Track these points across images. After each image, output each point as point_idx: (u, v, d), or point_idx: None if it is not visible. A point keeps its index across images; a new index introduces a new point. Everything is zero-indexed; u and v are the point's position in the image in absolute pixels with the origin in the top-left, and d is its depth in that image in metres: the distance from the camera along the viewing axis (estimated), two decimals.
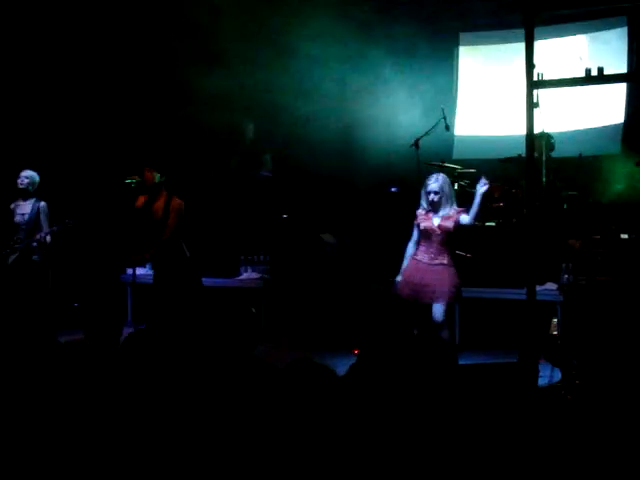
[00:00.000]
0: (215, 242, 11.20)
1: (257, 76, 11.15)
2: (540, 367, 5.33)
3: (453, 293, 7.25)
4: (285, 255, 11.02)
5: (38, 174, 8.77)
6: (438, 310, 7.16)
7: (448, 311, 7.25)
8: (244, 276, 10.37)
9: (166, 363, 3.89)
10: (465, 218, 7.19)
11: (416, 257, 7.31)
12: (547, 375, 5.66)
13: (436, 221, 7.23)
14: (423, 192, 7.30)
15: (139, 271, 8.59)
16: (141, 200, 7.82)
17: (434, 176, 7.33)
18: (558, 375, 5.82)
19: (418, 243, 7.33)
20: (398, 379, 3.54)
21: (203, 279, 9.81)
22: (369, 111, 11.22)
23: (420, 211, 7.32)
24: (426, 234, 7.27)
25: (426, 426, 3.51)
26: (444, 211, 7.23)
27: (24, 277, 8.58)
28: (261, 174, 11.14)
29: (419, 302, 7.22)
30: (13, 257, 8.59)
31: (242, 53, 10.76)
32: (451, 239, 7.32)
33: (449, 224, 7.19)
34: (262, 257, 10.55)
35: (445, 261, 7.25)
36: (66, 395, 4.12)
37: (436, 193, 7.20)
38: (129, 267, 8.27)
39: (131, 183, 7.68)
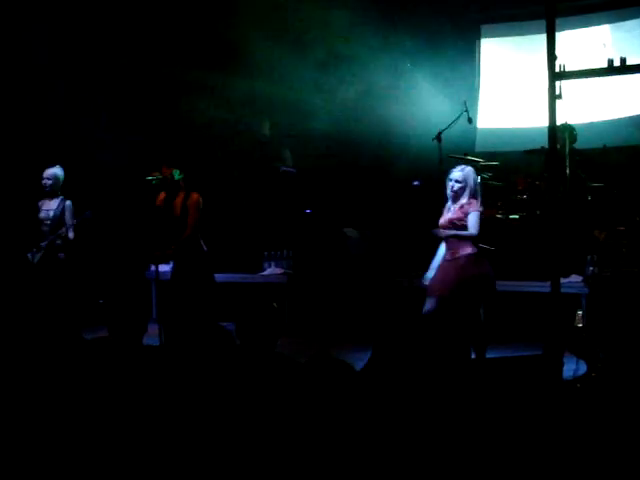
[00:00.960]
0: (238, 238, 11.23)
1: (279, 71, 11.17)
2: (565, 360, 5.30)
3: (446, 291, 7.04)
4: (308, 250, 11.03)
5: (61, 168, 8.81)
6: (428, 302, 7.00)
7: (442, 308, 7.01)
8: (267, 271, 10.39)
9: (186, 359, 3.90)
10: (471, 222, 7.00)
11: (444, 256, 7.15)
12: (572, 368, 5.63)
13: (449, 214, 7.11)
14: (447, 181, 7.15)
15: (162, 267, 8.61)
16: (161, 197, 7.85)
17: (461, 166, 7.20)
18: (583, 367, 5.78)
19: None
20: (416, 373, 3.53)
21: (227, 275, 9.86)
22: (391, 105, 11.19)
23: (446, 206, 7.18)
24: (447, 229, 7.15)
25: (446, 421, 3.50)
26: (463, 200, 7.07)
27: (49, 275, 8.63)
28: (282, 169, 11.14)
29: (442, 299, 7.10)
30: (39, 256, 8.65)
31: (265, 48, 10.79)
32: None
33: (460, 215, 7.04)
34: (285, 252, 10.56)
35: (469, 251, 7.02)
36: (91, 391, 4.14)
37: (458, 182, 7.04)
38: (152, 264, 8.29)
39: (152, 180, 7.70)
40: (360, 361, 4.09)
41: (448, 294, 6.99)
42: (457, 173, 7.06)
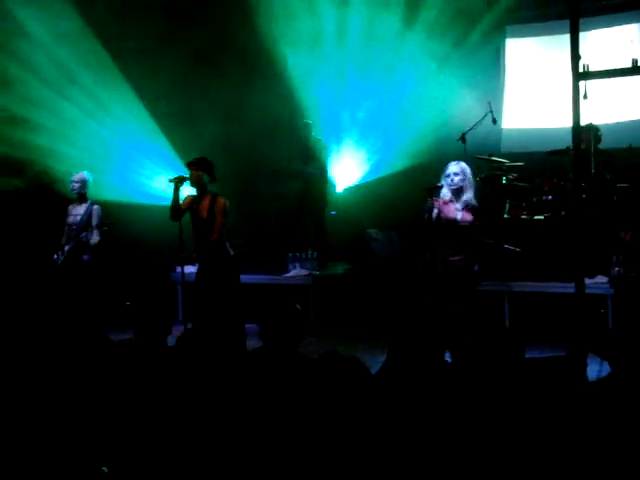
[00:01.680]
0: (263, 239, 11.26)
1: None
2: (589, 361, 5.28)
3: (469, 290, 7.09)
4: (333, 251, 11.05)
5: (88, 172, 8.91)
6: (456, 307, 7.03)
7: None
8: (292, 273, 10.41)
9: (210, 361, 3.93)
10: None
11: (437, 251, 7.11)
12: (596, 369, 5.60)
13: (459, 212, 7.10)
14: (443, 177, 7.15)
15: (188, 269, 8.66)
16: (188, 200, 7.88)
17: (454, 161, 7.22)
18: (607, 369, 5.75)
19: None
20: (433, 374, 3.54)
21: (252, 276, 9.88)
22: (416, 107, 11.20)
23: (441, 197, 7.13)
24: (447, 227, 7.08)
25: (465, 422, 3.50)
26: (467, 196, 7.08)
27: (72, 277, 8.71)
28: (308, 170, 11.16)
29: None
30: (62, 258, 8.73)
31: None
32: (474, 233, 7.15)
33: (472, 217, 7.05)
34: (310, 254, 10.57)
35: (464, 257, 7.04)
36: (117, 393, 4.18)
37: (457, 174, 7.05)
38: (179, 265, 8.32)
39: (178, 181, 7.73)
40: (381, 363, 4.10)
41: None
42: (454, 167, 7.10)
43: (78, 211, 8.81)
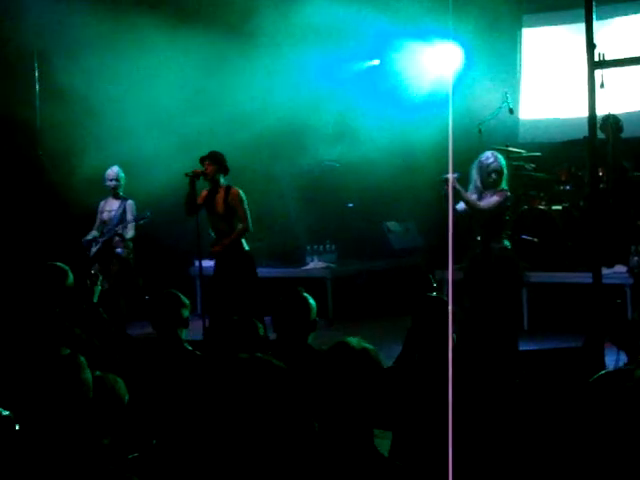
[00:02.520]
0: (281, 232, 11.27)
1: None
2: (606, 351, 5.26)
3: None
4: (351, 244, 11.05)
5: (116, 169, 8.93)
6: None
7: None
8: (310, 265, 10.42)
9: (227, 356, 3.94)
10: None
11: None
12: (613, 359, 5.59)
13: (481, 202, 6.98)
14: (480, 171, 7.01)
15: (206, 263, 8.70)
16: (203, 195, 7.91)
17: (490, 154, 7.07)
18: (624, 359, 5.72)
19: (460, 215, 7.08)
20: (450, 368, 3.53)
21: (270, 269, 9.89)
22: (430, 96, 11.16)
23: (471, 191, 7.04)
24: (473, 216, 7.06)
25: (486, 413, 3.50)
26: (492, 192, 6.96)
27: (105, 269, 8.78)
28: (326, 163, 11.17)
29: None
30: (95, 249, 8.78)
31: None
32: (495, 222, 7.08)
33: (485, 203, 6.94)
34: (328, 246, 10.58)
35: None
36: (135, 387, 4.20)
37: (497, 172, 6.95)
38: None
39: (193, 176, 7.74)
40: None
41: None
42: (494, 164, 6.95)
43: (112, 207, 8.87)
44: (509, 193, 7.09)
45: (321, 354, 2.63)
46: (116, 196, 8.88)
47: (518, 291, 7.59)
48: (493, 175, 6.99)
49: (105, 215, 8.89)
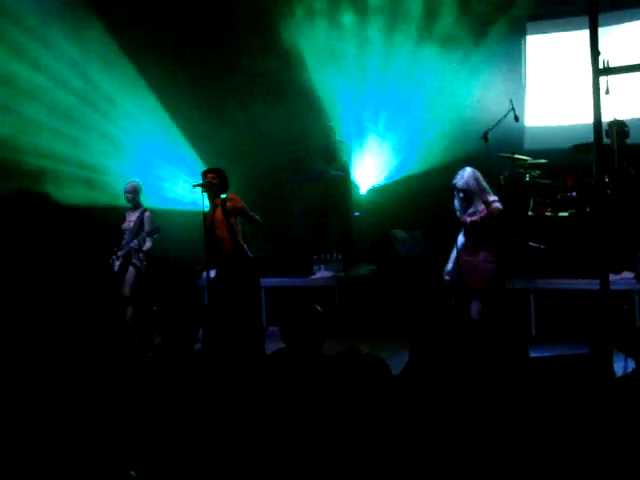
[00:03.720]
0: (288, 242, 11.28)
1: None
2: (614, 357, 5.25)
3: (484, 291, 7.14)
4: (358, 253, 11.06)
5: (138, 181, 9.16)
6: (473, 307, 7.11)
7: (486, 309, 7.12)
8: (317, 275, 10.43)
9: (229, 363, 3.96)
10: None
11: (459, 250, 7.26)
12: (621, 365, 5.58)
13: (467, 217, 7.18)
14: (454, 192, 7.25)
15: (214, 274, 8.71)
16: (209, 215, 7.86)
17: (459, 173, 7.26)
18: (632, 365, 5.72)
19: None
20: (457, 376, 3.54)
21: (277, 279, 9.90)
22: (437, 105, 11.19)
23: (456, 208, 7.28)
24: (464, 229, 7.24)
25: (493, 422, 3.50)
26: (474, 207, 7.15)
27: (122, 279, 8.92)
28: (332, 172, 11.18)
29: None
30: (118, 264, 9.00)
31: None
32: (485, 233, 7.19)
33: (475, 218, 7.11)
34: (335, 255, 10.59)
35: (480, 258, 7.15)
36: (144, 396, 4.22)
37: (464, 191, 7.16)
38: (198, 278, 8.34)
39: (207, 187, 7.73)
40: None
41: (489, 294, 7.15)
42: (459, 182, 7.20)
43: (132, 217, 9.13)
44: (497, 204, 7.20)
45: (331, 360, 2.64)
46: (135, 207, 9.12)
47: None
48: (460, 194, 7.17)
49: (125, 225, 9.17)
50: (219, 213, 7.78)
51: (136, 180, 9.21)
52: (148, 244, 9.01)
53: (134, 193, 9.09)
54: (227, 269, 7.80)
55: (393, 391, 2.52)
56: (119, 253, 9.02)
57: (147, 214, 9.09)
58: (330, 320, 4.51)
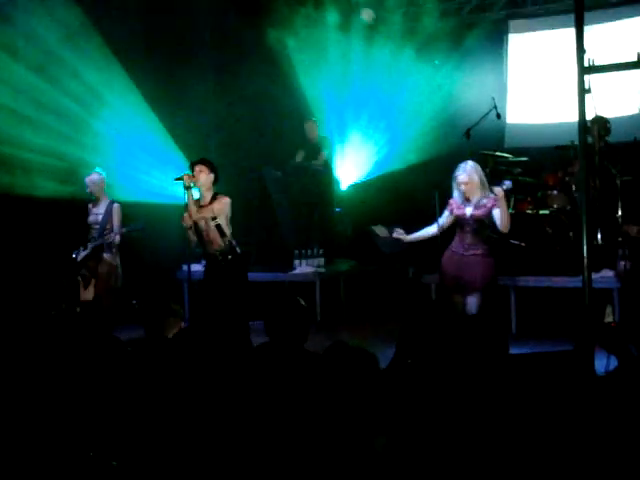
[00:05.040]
0: (269, 237, 11.27)
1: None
2: (596, 355, 5.27)
3: (484, 285, 7.19)
4: (338, 248, 11.05)
5: (101, 172, 8.95)
6: (471, 303, 7.14)
7: (485, 302, 7.18)
8: (298, 270, 10.42)
9: (214, 358, 3.94)
10: (496, 217, 7.12)
11: (451, 248, 7.32)
12: (603, 363, 5.60)
13: (469, 210, 7.22)
14: (454, 184, 7.29)
15: (195, 267, 8.66)
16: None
17: (462, 166, 7.29)
18: (614, 363, 5.75)
19: (444, 230, 7.38)
20: (443, 371, 3.54)
21: (258, 274, 9.87)
22: (420, 103, 11.21)
23: (454, 199, 7.31)
24: (460, 224, 7.28)
25: (473, 418, 3.50)
26: (476, 200, 7.20)
27: (94, 273, 8.79)
28: (313, 167, 11.16)
29: (457, 293, 7.23)
30: (83, 254, 8.79)
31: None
32: (486, 228, 7.27)
33: (481, 212, 7.16)
34: (316, 251, 10.58)
35: (479, 252, 7.21)
36: (125, 389, 4.19)
37: (466, 184, 7.19)
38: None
39: (187, 184, 7.56)
40: (388, 357, 4.11)
41: (485, 288, 7.21)
42: (462, 176, 7.21)
43: (98, 210, 8.88)
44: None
45: (319, 355, 2.63)
46: (98, 199, 8.89)
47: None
48: (462, 187, 7.22)
49: (92, 218, 8.90)
50: (208, 209, 7.65)
51: (99, 171, 8.94)
52: (118, 238, 8.78)
53: (93, 185, 8.83)
54: (216, 265, 7.73)
55: (381, 384, 2.51)
56: (89, 245, 8.78)
57: (116, 206, 8.85)
58: (311, 315, 4.52)
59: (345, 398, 2.50)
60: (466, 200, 7.26)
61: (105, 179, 8.93)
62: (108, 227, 8.81)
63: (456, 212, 7.28)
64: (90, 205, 8.96)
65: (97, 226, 8.84)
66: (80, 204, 9.13)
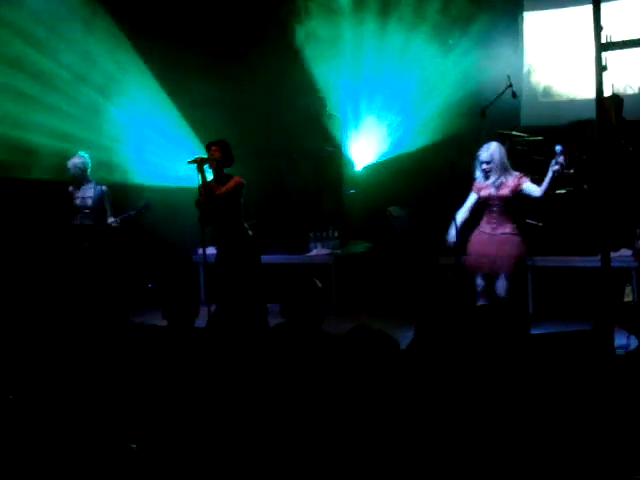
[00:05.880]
0: (284, 219, 11.24)
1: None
2: (615, 335, 5.24)
3: (514, 265, 7.23)
4: (354, 230, 11.03)
5: (83, 155, 8.85)
6: (500, 284, 7.16)
7: (513, 283, 7.22)
8: (314, 252, 10.41)
9: (236, 341, 3.93)
10: (531, 188, 7.21)
11: (479, 228, 7.39)
12: (623, 343, 5.58)
13: (493, 190, 7.26)
14: (477, 163, 7.41)
15: (210, 251, 8.66)
16: (212, 185, 7.73)
17: (485, 146, 7.46)
18: (634, 342, 5.71)
19: (473, 212, 7.51)
20: (462, 352, 3.52)
21: (273, 256, 9.86)
22: (434, 82, 11.13)
23: (478, 181, 7.39)
24: (486, 204, 7.36)
25: (496, 399, 3.48)
26: (497, 179, 7.23)
27: (99, 261, 8.73)
28: (327, 149, 11.11)
29: (486, 274, 7.24)
30: (87, 244, 8.74)
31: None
32: (513, 207, 7.32)
33: (505, 191, 7.24)
34: (331, 233, 10.56)
35: (508, 230, 7.29)
36: (143, 373, 4.19)
37: (487, 163, 7.30)
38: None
39: (201, 162, 7.57)
40: (405, 339, 4.08)
41: (515, 269, 7.35)
42: (484, 154, 7.42)
43: (85, 194, 8.75)
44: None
45: (338, 337, 2.62)
46: (80, 182, 8.78)
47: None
48: (483, 165, 7.38)
49: (80, 202, 8.78)
50: (224, 188, 7.65)
51: (82, 154, 8.83)
52: (112, 219, 8.71)
53: (74, 169, 8.72)
54: (228, 248, 7.74)
55: (401, 366, 2.50)
56: (90, 234, 8.67)
57: (105, 188, 8.77)
58: (327, 297, 4.52)
59: (365, 382, 2.49)
60: (487, 180, 7.30)
61: (88, 162, 8.81)
62: (102, 212, 8.72)
63: (482, 194, 7.35)
64: (71, 188, 8.84)
65: (87, 210, 8.73)
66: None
